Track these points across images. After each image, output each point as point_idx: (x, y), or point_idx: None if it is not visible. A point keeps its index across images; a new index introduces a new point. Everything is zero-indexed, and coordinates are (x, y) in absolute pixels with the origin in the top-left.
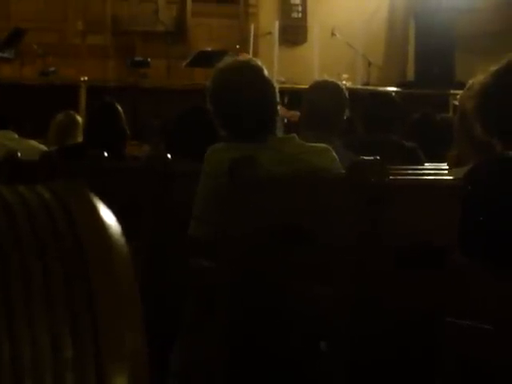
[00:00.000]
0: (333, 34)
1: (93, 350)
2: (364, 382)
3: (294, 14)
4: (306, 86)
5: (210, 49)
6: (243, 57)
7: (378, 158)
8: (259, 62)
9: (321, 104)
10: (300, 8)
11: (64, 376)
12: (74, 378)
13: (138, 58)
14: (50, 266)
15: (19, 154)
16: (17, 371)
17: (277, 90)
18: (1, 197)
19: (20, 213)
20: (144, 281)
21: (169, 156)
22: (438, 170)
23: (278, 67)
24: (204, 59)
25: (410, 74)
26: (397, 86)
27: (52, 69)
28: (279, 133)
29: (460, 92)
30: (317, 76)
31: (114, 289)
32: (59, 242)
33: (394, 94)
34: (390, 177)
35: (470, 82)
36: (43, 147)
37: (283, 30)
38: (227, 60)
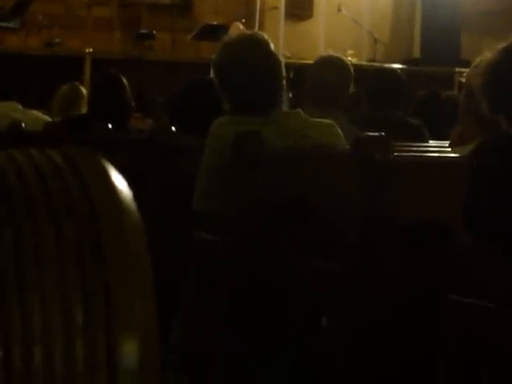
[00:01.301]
0: (339, 10)
1: (103, 316)
2: (365, 358)
3: None
4: (312, 62)
5: (215, 22)
6: (235, 27)
7: (383, 134)
8: (265, 36)
9: (325, 79)
10: None
11: (74, 342)
12: (83, 343)
13: (143, 31)
14: (62, 231)
15: (23, 125)
16: (27, 336)
17: (282, 65)
18: (13, 160)
19: (32, 176)
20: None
21: (173, 129)
22: (442, 148)
23: (284, 42)
24: (209, 33)
25: (416, 52)
26: (402, 64)
27: (57, 40)
28: (284, 107)
29: (465, 70)
30: (322, 51)
31: (125, 255)
32: (71, 207)
33: (399, 70)
34: (395, 153)
35: (478, 59)
36: (47, 118)
37: (289, 5)
38: (233, 34)
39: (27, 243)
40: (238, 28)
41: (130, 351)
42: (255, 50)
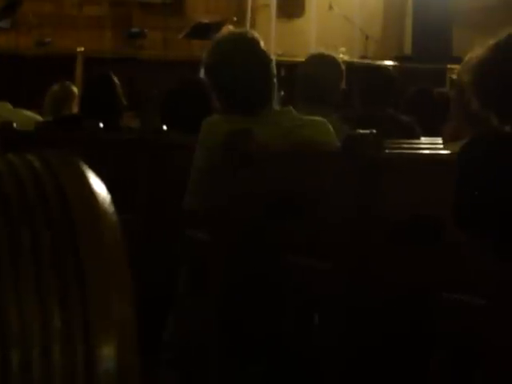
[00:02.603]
0: (330, 8)
1: (81, 320)
2: (357, 355)
3: None
4: (303, 59)
5: (206, 21)
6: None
7: (374, 131)
8: (256, 35)
9: (317, 77)
10: None
11: (52, 346)
12: (61, 348)
13: (134, 30)
14: (39, 235)
15: (14, 125)
16: (4, 341)
17: (273, 63)
18: None
19: (8, 181)
20: (139, 252)
21: (164, 128)
22: (433, 145)
23: (275, 40)
24: (201, 31)
25: (408, 49)
26: (394, 60)
27: (48, 39)
28: (276, 105)
29: (457, 67)
30: (314, 49)
31: (102, 259)
32: (48, 211)
33: (391, 68)
34: (386, 150)
35: (469, 56)
36: (38, 117)
37: (281, 3)
38: (224, 32)
39: (3, 248)
40: (231, 28)
41: (108, 355)
42: (245, 49)
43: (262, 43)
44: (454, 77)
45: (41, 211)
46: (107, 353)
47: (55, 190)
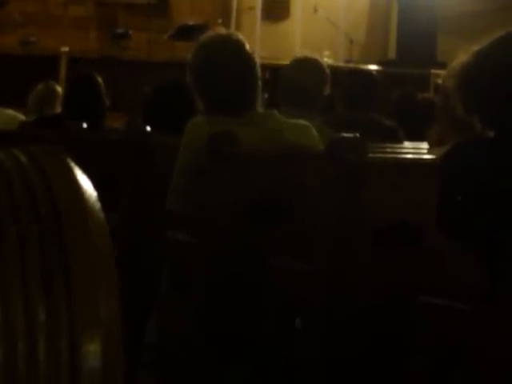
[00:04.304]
0: (315, 11)
1: (66, 315)
2: (339, 359)
3: None
4: (288, 62)
5: (191, 22)
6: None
7: (357, 135)
8: (241, 37)
9: (301, 80)
10: None
11: (36, 340)
12: (46, 342)
13: (119, 30)
14: (25, 230)
15: None
16: None
17: (258, 65)
18: None
19: None
20: (121, 253)
21: (148, 129)
22: (417, 149)
23: (260, 42)
24: (185, 33)
25: (392, 53)
26: (378, 65)
27: (33, 39)
28: (260, 108)
29: (441, 72)
30: (298, 52)
31: (89, 254)
32: (34, 206)
33: (375, 72)
34: (369, 154)
35: (454, 61)
36: (21, 117)
37: (266, 5)
38: (209, 34)
39: None
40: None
41: (93, 351)
42: (230, 51)
43: (247, 45)
44: (439, 82)
45: (27, 206)
46: (92, 349)
47: (42, 185)
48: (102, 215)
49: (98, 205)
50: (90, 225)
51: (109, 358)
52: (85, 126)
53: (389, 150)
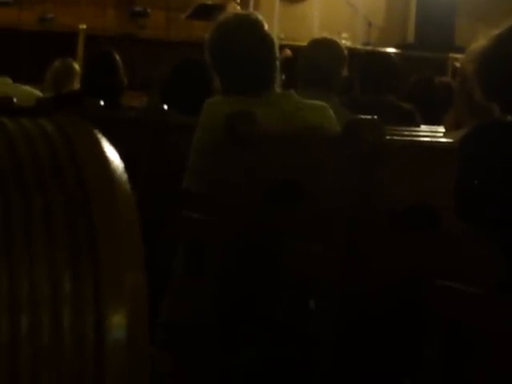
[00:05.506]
0: None
1: (92, 286)
2: (352, 341)
3: None
4: (306, 44)
5: (210, 2)
6: (232, 9)
7: (375, 117)
8: (260, 17)
9: (319, 61)
10: None
11: (61, 311)
12: (71, 313)
13: (137, 8)
14: (51, 200)
15: (15, 100)
16: (13, 304)
17: (276, 46)
18: (3, 128)
19: (22, 144)
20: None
21: (165, 107)
22: (434, 133)
23: (278, 23)
24: (203, 12)
25: (410, 37)
26: (396, 48)
27: (50, 15)
28: (277, 88)
29: (459, 56)
30: (316, 34)
31: (115, 224)
32: (61, 175)
33: (393, 55)
34: (387, 137)
35: (473, 45)
36: (39, 93)
37: None
38: (227, 14)
39: (16, 210)
40: (235, 9)
41: (118, 323)
42: (249, 30)
43: (265, 25)
44: (457, 66)
45: (54, 176)
46: (118, 320)
47: (69, 155)
48: (128, 187)
49: (124, 176)
50: (117, 196)
51: (134, 330)
52: (102, 103)
53: (406, 132)
